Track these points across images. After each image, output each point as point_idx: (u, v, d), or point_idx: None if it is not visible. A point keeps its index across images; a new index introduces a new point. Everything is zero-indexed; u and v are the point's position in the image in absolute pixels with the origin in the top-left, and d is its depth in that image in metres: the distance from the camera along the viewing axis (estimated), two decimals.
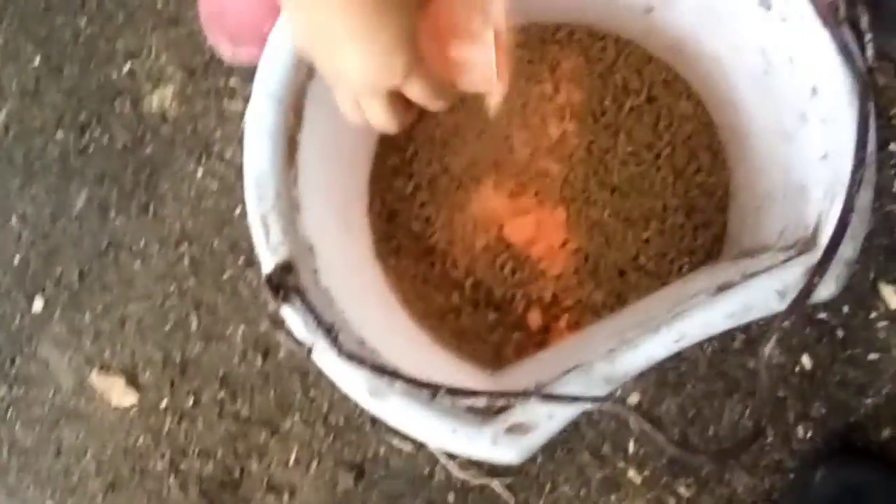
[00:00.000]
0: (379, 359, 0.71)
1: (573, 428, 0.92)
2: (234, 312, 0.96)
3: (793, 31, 0.72)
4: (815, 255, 0.67)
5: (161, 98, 0.99)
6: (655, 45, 0.92)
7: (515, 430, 0.67)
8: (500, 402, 0.67)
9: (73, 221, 0.99)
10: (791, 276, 0.68)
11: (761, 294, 0.68)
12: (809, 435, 0.92)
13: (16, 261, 0.99)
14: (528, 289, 0.90)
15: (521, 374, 0.81)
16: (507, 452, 0.66)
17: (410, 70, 0.59)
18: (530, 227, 0.90)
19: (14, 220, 1.00)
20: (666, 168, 0.91)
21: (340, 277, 0.76)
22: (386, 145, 0.93)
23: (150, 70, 1.00)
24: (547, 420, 0.66)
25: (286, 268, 0.69)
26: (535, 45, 0.93)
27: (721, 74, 0.86)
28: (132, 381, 0.96)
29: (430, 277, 0.91)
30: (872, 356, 0.93)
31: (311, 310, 0.67)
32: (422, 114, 0.90)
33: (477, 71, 0.63)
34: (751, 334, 0.93)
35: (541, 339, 0.90)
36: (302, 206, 0.73)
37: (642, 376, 0.93)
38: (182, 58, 1.00)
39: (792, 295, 0.67)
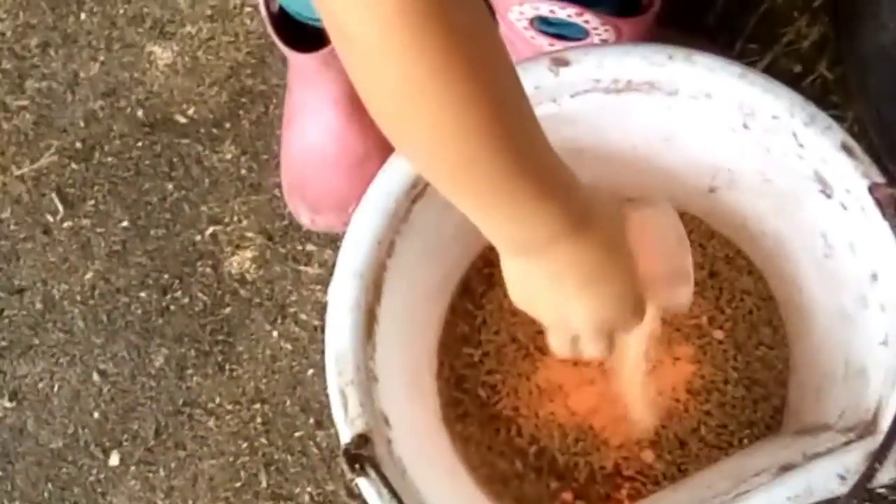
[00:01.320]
0: None
1: None
2: (302, 472, 0.98)
3: (853, 219, 0.75)
4: (876, 441, 0.69)
5: (241, 261, 1.04)
6: (718, 222, 0.95)
7: None
8: None
9: (152, 379, 1.03)
10: (852, 460, 0.69)
11: (822, 477, 0.69)
12: None
13: (95, 415, 1.03)
14: (591, 458, 0.92)
15: None
16: None
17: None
18: (593, 397, 0.92)
19: (95, 376, 1.04)
20: (727, 342, 0.93)
21: (414, 446, 0.79)
22: (456, 314, 0.96)
23: (232, 234, 1.05)
24: None
25: (363, 440, 0.72)
26: None
27: (783, 253, 0.89)
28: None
29: (494, 444, 0.93)
30: None
31: (385, 483, 0.70)
32: (491, 283, 0.94)
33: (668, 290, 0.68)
34: None
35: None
36: (379, 378, 0.76)
37: None
38: (262, 223, 1.05)
39: (853, 479, 0.69)
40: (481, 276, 0.97)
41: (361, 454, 0.71)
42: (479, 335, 0.96)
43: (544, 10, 0.87)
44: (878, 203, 0.73)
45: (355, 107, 0.95)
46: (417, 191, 0.78)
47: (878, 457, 0.68)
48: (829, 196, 0.77)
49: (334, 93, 0.97)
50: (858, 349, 0.78)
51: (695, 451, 0.92)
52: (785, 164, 0.79)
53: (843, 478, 0.69)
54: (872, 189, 0.73)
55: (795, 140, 0.76)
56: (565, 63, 0.76)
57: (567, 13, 0.86)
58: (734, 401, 0.93)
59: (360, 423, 0.72)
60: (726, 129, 0.80)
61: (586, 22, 0.87)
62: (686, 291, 0.69)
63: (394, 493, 0.69)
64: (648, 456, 0.92)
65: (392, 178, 0.77)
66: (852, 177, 0.74)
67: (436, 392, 0.95)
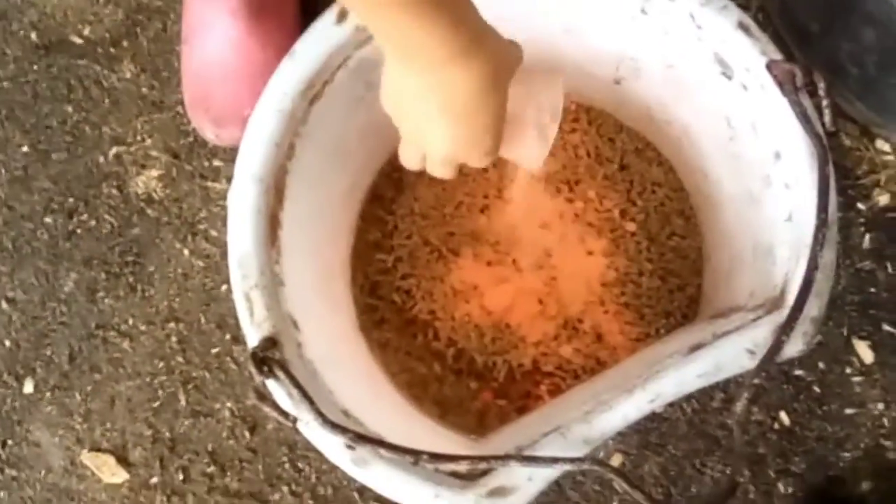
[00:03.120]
0: (363, 428, 0.73)
1: (557, 491, 0.94)
2: (221, 388, 0.97)
3: (754, 99, 0.75)
4: (783, 314, 0.70)
5: (147, 181, 1.02)
6: (626, 115, 0.95)
7: (497, 493, 0.68)
8: (482, 466, 0.68)
9: (63, 304, 1.01)
10: (760, 335, 0.70)
11: (732, 353, 0.70)
12: (791, 490, 0.94)
13: (6, 343, 1.01)
14: (509, 356, 0.92)
15: (504, 440, 0.83)
16: None
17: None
18: (508, 295, 0.92)
19: (4, 304, 1.01)
20: (640, 234, 0.93)
21: (325, 350, 0.78)
22: (367, 220, 0.95)
23: (136, 154, 1.03)
24: (527, 482, 0.68)
25: (270, 342, 0.71)
26: None
27: (689, 141, 0.89)
28: (122, 459, 0.98)
29: (412, 348, 0.93)
30: (849, 411, 0.95)
31: (295, 383, 0.69)
32: (400, 188, 0.93)
33: (525, 147, 0.69)
34: (729, 393, 0.95)
35: (522, 405, 0.92)
36: (286, 282, 0.75)
37: (624, 438, 0.96)
38: (167, 141, 1.03)
39: (761, 353, 0.69)
40: (390, 181, 0.96)
41: (269, 356, 0.70)
42: (390, 240, 0.95)
43: None
44: (777, 80, 0.72)
45: (254, 16, 0.93)
46: (315, 91, 0.77)
47: (785, 329, 0.68)
48: (729, 77, 0.77)
49: (232, 4, 0.95)
50: (765, 229, 0.78)
51: (612, 343, 0.92)
52: (685, 47, 0.78)
53: (751, 352, 0.70)
54: (771, 66, 0.73)
55: (693, 21, 0.76)
56: None
57: None
58: (649, 292, 0.93)
59: (266, 326, 0.71)
60: (626, 17, 0.80)
61: None
62: (541, 154, 0.70)
63: (304, 393, 0.69)
64: (566, 351, 0.92)
65: (287, 79, 0.75)
66: (750, 55, 0.74)
67: (351, 300, 0.94)
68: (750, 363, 0.69)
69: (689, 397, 0.96)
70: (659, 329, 0.93)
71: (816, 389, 0.95)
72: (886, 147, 0.99)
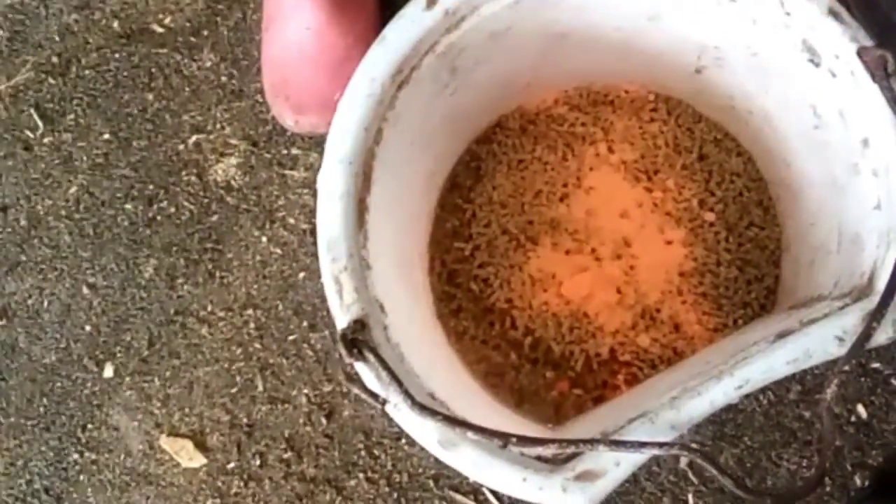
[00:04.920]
0: (448, 411, 0.73)
1: (632, 480, 0.94)
2: (298, 375, 0.98)
3: (842, 86, 0.75)
4: (873, 301, 0.69)
5: (226, 168, 1.03)
6: (705, 105, 0.95)
7: (584, 477, 0.69)
8: (569, 451, 0.68)
9: (142, 290, 1.02)
10: (849, 322, 0.70)
11: (820, 340, 0.70)
12: (867, 483, 0.93)
13: (87, 328, 1.02)
14: (586, 345, 0.92)
15: (582, 428, 0.83)
16: (577, 499, 0.68)
17: None
18: (587, 284, 0.93)
19: (85, 289, 1.03)
20: (719, 224, 0.93)
21: (408, 335, 0.79)
22: (445, 209, 0.96)
23: (216, 142, 1.04)
24: (614, 467, 0.68)
25: (359, 325, 0.72)
26: (587, 107, 0.96)
27: (771, 131, 0.89)
28: (200, 444, 0.99)
29: (489, 337, 0.93)
30: None
31: (384, 364, 0.69)
32: (479, 177, 0.93)
33: None
34: (806, 385, 0.95)
35: (599, 395, 0.92)
36: (372, 266, 0.76)
37: (699, 429, 0.95)
38: (246, 129, 1.04)
39: (851, 340, 0.69)
40: (469, 170, 0.96)
41: (358, 338, 0.70)
42: (469, 229, 0.95)
43: None
44: (868, 67, 0.72)
45: (335, 4, 0.94)
46: (403, 76, 0.77)
47: (876, 315, 0.68)
48: (817, 65, 0.76)
49: None
50: (851, 217, 0.78)
51: (689, 333, 0.92)
52: (772, 34, 0.78)
53: (840, 339, 0.69)
54: (861, 53, 0.72)
55: (782, 8, 0.75)
56: None
57: None
58: (727, 282, 0.93)
59: (355, 308, 0.72)
60: (712, 4, 0.79)
61: None
62: None
63: (393, 375, 0.69)
64: (644, 340, 0.92)
65: (376, 64, 0.76)
66: (840, 42, 0.73)
67: (428, 288, 0.95)
68: (839, 350, 0.69)
69: (764, 389, 0.96)
70: (737, 320, 0.92)
71: (894, 382, 0.94)
72: None
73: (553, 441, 0.68)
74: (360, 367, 0.70)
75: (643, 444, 0.67)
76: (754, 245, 0.93)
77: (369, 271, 0.75)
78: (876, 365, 0.95)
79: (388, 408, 0.70)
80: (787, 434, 0.95)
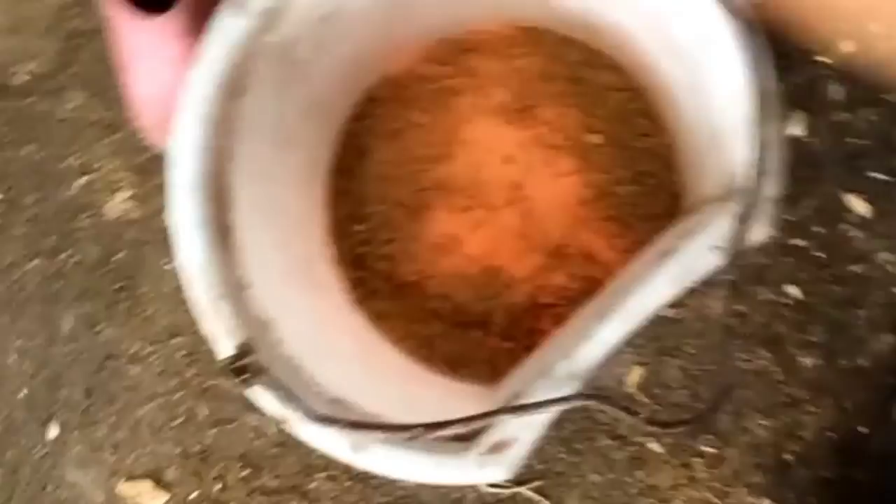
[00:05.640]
0: (358, 412, 0.73)
1: (586, 416, 0.93)
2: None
3: None
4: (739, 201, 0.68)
5: (120, 204, 1.02)
6: (567, 28, 0.92)
7: (497, 448, 0.68)
8: (476, 426, 0.68)
9: (67, 343, 1.02)
10: (722, 227, 0.68)
11: (697, 253, 0.68)
12: (818, 362, 0.92)
13: (22, 394, 1.02)
14: (503, 298, 0.91)
15: (514, 384, 0.82)
16: (497, 471, 0.67)
17: None
18: (489, 238, 0.91)
19: (13, 355, 1.02)
20: (607, 143, 0.91)
21: (309, 340, 0.78)
22: (336, 194, 0.94)
23: (104, 179, 1.02)
24: (526, 430, 0.68)
25: (245, 349, 0.71)
26: (452, 58, 0.94)
27: (630, 40, 0.86)
28: (159, 481, 0.98)
29: (409, 312, 0.92)
30: (855, 268, 0.93)
31: (276, 386, 0.68)
32: (362, 155, 0.91)
33: None
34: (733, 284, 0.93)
35: (529, 343, 0.91)
36: (252, 283, 0.75)
37: (639, 350, 0.94)
38: (130, 160, 1.03)
39: (727, 246, 0.67)
40: (350, 150, 0.95)
41: (245, 364, 0.69)
42: (363, 209, 0.94)
43: None
44: None
45: (189, 30, 0.91)
46: (235, 86, 0.75)
47: (743, 217, 0.66)
48: None
49: (169, 28, 0.93)
50: (714, 115, 0.76)
51: (604, 260, 0.91)
52: None
53: (717, 248, 0.68)
54: None
55: None
56: None
57: None
58: (628, 199, 0.91)
59: (238, 333, 0.71)
60: None
61: None
62: None
63: (288, 392, 0.68)
64: (559, 278, 0.91)
65: (200, 83, 0.74)
66: None
67: (337, 278, 0.93)
68: (718, 259, 0.67)
69: (692, 291, 0.95)
70: (648, 234, 0.91)
71: (818, 254, 0.93)
72: None
73: (456, 421, 0.67)
74: (254, 392, 0.69)
75: (542, 404, 0.67)
76: (647, 155, 0.91)
77: (249, 290, 0.74)
78: (796, 241, 0.93)
79: (289, 426, 0.69)
80: (726, 331, 0.93)
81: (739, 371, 0.93)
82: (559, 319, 0.91)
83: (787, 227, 0.93)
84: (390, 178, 0.93)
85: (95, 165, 1.03)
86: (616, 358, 0.94)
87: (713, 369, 0.93)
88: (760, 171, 0.67)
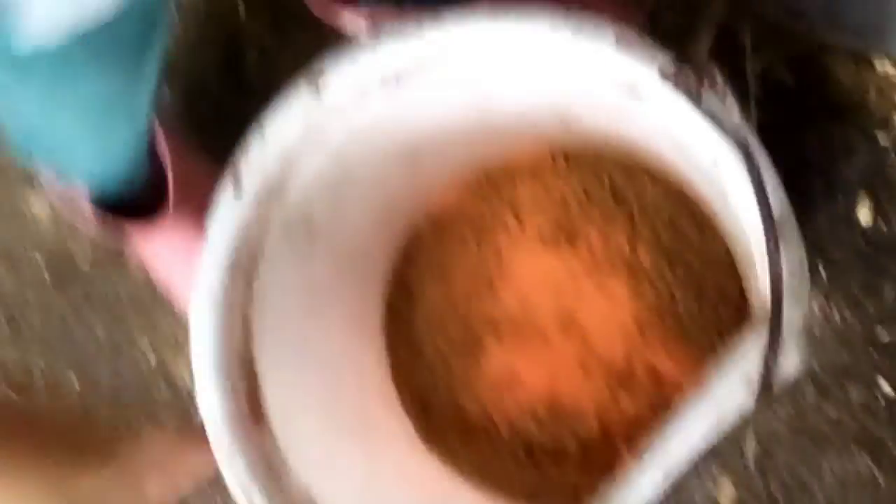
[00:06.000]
0: None
1: None
2: None
3: (670, 113, 0.69)
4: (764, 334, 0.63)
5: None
6: (598, 146, 0.89)
7: None
8: None
9: None
10: (750, 365, 0.64)
11: (730, 391, 0.64)
12: None
13: None
14: (575, 429, 0.88)
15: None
16: None
17: None
18: (546, 370, 0.88)
19: None
20: (657, 259, 0.88)
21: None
22: (393, 339, 0.93)
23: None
24: None
25: None
26: (488, 188, 0.92)
27: (660, 156, 0.83)
28: None
29: (483, 449, 0.90)
30: None
31: None
32: (412, 298, 0.89)
33: None
34: (818, 382, 0.88)
35: (609, 472, 0.87)
36: (288, 463, 0.74)
37: (727, 461, 0.89)
38: None
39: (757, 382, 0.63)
40: (402, 293, 0.95)
41: None
42: (421, 350, 0.93)
43: None
44: (675, 88, 0.66)
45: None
46: (248, 267, 0.75)
47: (770, 351, 0.62)
48: (640, 99, 0.71)
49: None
50: (744, 238, 0.71)
51: (672, 379, 0.87)
52: (587, 84, 0.73)
53: (749, 386, 0.63)
54: (663, 77, 0.67)
55: (576, 53, 0.70)
56: (321, 79, 0.72)
57: None
58: (689, 313, 0.87)
59: None
60: (526, 71, 0.75)
61: None
62: None
63: None
64: (628, 405, 0.87)
65: (210, 270, 0.74)
66: (640, 72, 0.68)
67: (402, 422, 0.92)
68: (748, 399, 0.63)
69: (779, 400, 0.90)
70: (715, 346, 0.86)
71: None
72: (888, 67, 0.89)
73: None
74: None
75: None
76: (704, 265, 0.87)
77: (286, 472, 0.74)
78: (884, 336, 0.87)
79: None
80: (822, 440, 0.88)
81: (838, 481, 0.87)
82: (634, 445, 0.87)
83: (871, 322, 0.87)
84: (442, 317, 0.92)
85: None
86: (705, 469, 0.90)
87: (809, 481, 0.87)
88: (782, 301, 0.62)
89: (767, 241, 0.63)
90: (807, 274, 0.64)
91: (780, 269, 0.63)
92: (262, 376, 0.75)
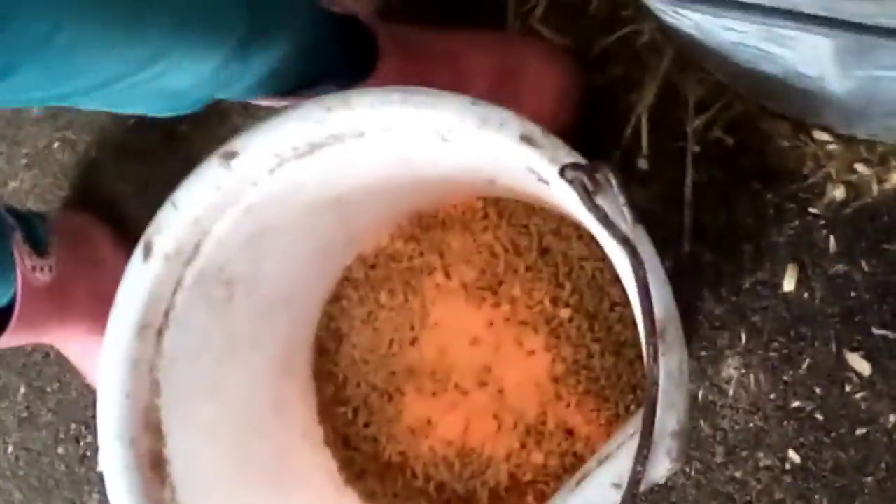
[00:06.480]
0: None
1: None
2: None
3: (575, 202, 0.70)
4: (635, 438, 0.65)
5: None
6: (529, 198, 0.90)
7: None
8: None
9: None
10: (624, 464, 0.65)
11: (597, 492, 0.65)
12: None
13: None
14: (485, 477, 0.90)
15: None
16: None
17: None
18: (461, 421, 0.90)
19: None
20: (577, 316, 0.89)
21: None
22: (320, 377, 0.95)
23: None
24: None
25: None
26: (421, 234, 0.93)
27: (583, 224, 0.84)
28: None
29: (398, 491, 0.92)
30: (860, 431, 0.87)
31: None
32: (340, 338, 0.91)
33: None
34: (729, 443, 0.89)
35: None
36: None
37: None
38: None
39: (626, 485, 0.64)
40: (329, 332, 0.95)
41: None
42: (345, 392, 0.94)
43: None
44: (573, 186, 0.67)
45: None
46: (158, 324, 0.76)
47: (638, 457, 0.64)
48: (547, 183, 0.72)
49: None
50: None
51: (584, 434, 0.88)
52: (501, 162, 0.74)
53: (617, 486, 0.65)
54: (563, 173, 0.68)
55: (483, 144, 0.71)
56: (233, 155, 0.73)
57: None
58: (606, 371, 0.89)
59: None
60: (436, 144, 0.75)
61: None
62: None
63: None
64: (538, 457, 0.89)
65: (117, 329, 0.75)
66: (541, 164, 0.69)
67: (327, 459, 0.94)
68: (617, 498, 0.64)
69: (689, 458, 0.91)
70: (629, 406, 0.88)
71: (819, 417, 0.88)
72: (826, 136, 0.90)
73: None
74: None
75: None
76: (623, 325, 0.88)
77: None
78: (796, 404, 0.89)
79: None
80: (724, 499, 0.90)
81: None
82: (543, 495, 0.89)
83: (785, 389, 0.88)
84: (365, 361, 0.93)
85: None
86: None
87: None
88: (661, 405, 0.64)
89: (647, 346, 0.64)
90: (686, 378, 0.65)
91: (657, 375, 0.64)
92: (166, 431, 0.77)
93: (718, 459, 0.90)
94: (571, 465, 0.88)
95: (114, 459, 0.74)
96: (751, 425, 0.89)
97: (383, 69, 0.87)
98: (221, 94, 0.80)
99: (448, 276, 0.91)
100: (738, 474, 0.89)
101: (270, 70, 0.79)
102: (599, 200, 0.66)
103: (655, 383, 0.64)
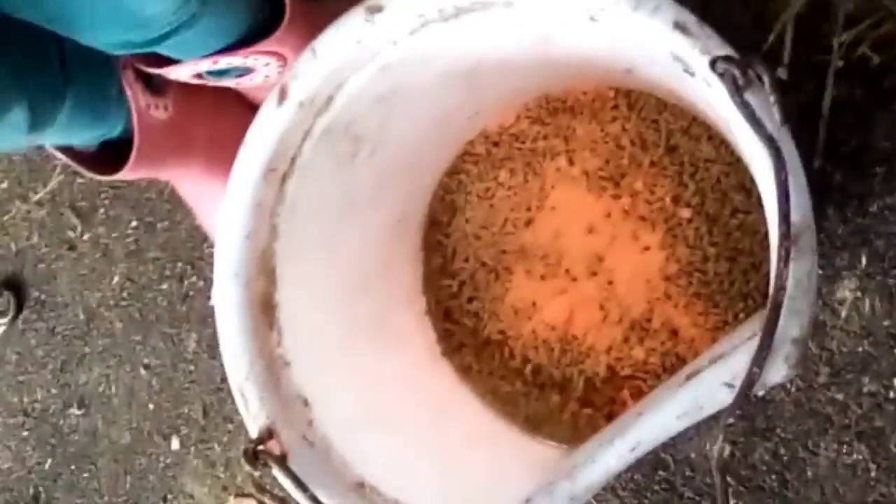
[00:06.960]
0: (381, 496, 0.74)
1: (669, 489, 0.91)
2: None
3: (717, 96, 0.68)
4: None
5: None
6: (662, 93, 0.88)
7: None
8: None
9: (189, 363, 1.08)
10: (739, 364, 0.64)
11: (710, 388, 0.65)
12: None
13: (150, 406, 1.09)
14: (583, 366, 0.90)
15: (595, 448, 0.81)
16: None
17: None
18: (566, 307, 0.90)
19: (142, 371, 1.10)
20: (698, 218, 0.87)
21: (355, 411, 0.80)
22: (429, 247, 0.95)
23: None
24: None
25: (267, 434, 0.73)
26: (547, 117, 0.92)
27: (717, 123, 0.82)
28: (262, 502, 1.04)
29: (493, 368, 0.93)
30: None
31: (291, 476, 0.71)
32: (454, 210, 0.91)
33: None
34: (834, 365, 0.88)
35: (609, 412, 0.90)
36: (292, 360, 0.77)
37: (730, 427, 0.90)
38: None
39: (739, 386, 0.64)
40: (444, 204, 0.95)
41: (264, 450, 0.72)
42: (452, 265, 0.94)
43: (204, 67, 0.83)
44: (722, 79, 0.66)
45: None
46: (283, 170, 0.77)
47: (756, 359, 0.63)
48: (692, 74, 0.70)
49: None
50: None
51: (688, 336, 0.88)
52: (648, 50, 0.72)
53: (730, 386, 0.64)
54: (714, 65, 0.66)
55: (634, 27, 0.69)
56: (378, 9, 0.72)
57: (228, 61, 0.83)
58: (719, 277, 0.87)
59: (261, 417, 0.73)
60: (582, 24, 0.74)
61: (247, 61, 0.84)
62: None
63: (299, 483, 0.71)
64: (639, 353, 0.89)
65: (244, 170, 0.76)
66: (692, 55, 0.67)
67: (427, 328, 0.95)
68: (727, 398, 0.64)
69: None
70: (738, 314, 0.87)
71: None
72: None
73: None
74: (273, 475, 0.72)
75: None
76: (743, 232, 0.87)
77: (286, 368, 0.76)
78: None
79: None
80: (822, 420, 0.89)
81: (831, 463, 0.87)
82: (639, 391, 0.89)
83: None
84: (477, 237, 0.93)
85: None
86: (705, 430, 0.91)
87: (805, 457, 0.88)
88: (785, 310, 0.62)
89: (779, 249, 0.62)
90: (814, 288, 0.64)
91: (785, 281, 0.62)
92: (280, 276, 0.78)
93: (822, 379, 0.88)
94: (672, 365, 0.88)
95: (228, 296, 0.75)
96: (859, 349, 0.88)
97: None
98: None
99: (571, 161, 0.90)
100: (839, 396, 0.88)
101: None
102: (748, 97, 0.64)
103: (783, 288, 0.63)
